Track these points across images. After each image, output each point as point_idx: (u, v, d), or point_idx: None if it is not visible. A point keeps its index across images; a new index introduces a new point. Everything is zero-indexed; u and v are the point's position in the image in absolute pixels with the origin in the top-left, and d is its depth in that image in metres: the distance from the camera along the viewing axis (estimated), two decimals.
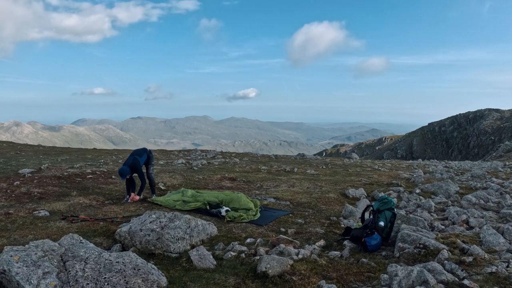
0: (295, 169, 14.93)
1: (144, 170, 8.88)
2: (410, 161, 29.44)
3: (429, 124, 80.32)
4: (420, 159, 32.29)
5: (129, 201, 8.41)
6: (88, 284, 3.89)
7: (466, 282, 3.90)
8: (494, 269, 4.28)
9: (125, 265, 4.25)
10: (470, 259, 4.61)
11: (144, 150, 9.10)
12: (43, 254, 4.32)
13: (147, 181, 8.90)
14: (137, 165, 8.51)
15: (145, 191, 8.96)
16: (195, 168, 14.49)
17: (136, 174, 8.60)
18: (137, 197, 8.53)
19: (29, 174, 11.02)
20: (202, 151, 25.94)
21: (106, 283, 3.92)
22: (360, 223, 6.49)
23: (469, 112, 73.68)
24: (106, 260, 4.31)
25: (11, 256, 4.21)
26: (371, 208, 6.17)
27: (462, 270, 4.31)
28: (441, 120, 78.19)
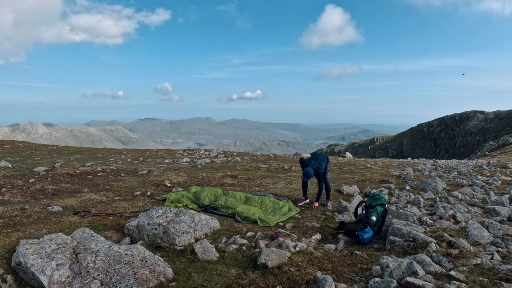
0: (293, 167, 14.91)
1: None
2: (401, 159, 29.43)
3: (418, 125, 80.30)
4: (409, 158, 32.29)
5: (303, 203, 8.09)
6: (99, 275, 3.90)
7: (453, 273, 3.90)
8: (479, 261, 4.28)
9: (133, 257, 4.25)
10: (457, 251, 4.62)
11: (325, 156, 8.39)
12: (57, 247, 4.33)
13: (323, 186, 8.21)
14: (320, 170, 8.00)
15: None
16: (199, 166, 14.48)
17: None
18: (316, 204, 7.98)
19: (43, 172, 11.01)
20: (205, 150, 25.92)
21: (115, 274, 3.93)
22: (354, 218, 6.50)
23: (455, 113, 73.68)
24: (115, 252, 4.31)
25: (27, 248, 4.22)
26: (364, 204, 6.17)
27: (449, 262, 4.32)
28: (429, 121, 78.18)
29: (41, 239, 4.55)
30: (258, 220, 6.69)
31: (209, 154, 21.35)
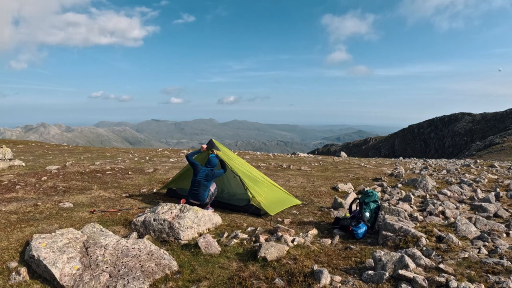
0: (291, 166, 14.92)
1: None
2: (393, 159, 29.40)
3: (409, 126, 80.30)
4: (401, 157, 32.25)
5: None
6: (107, 267, 3.90)
7: (442, 266, 3.90)
8: (466, 254, 4.28)
9: (140, 251, 4.25)
10: (446, 245, 4.62)
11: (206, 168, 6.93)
12: (68, 241, 4.33)
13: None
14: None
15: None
16: None
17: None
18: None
19: (55, 170, 11.02)
20: None
21: (123, 267, 3.93)
22: (348, 214, 6.49)
23: (444, 115, 73.70)
24: (123, 246, 4.32)
25: (39, 243, 4.23)
26: (358, 201, 6.17)
27: (438, 256, 4.32)
28: (419, 123, 78.18)
29: (53, 233, 4.56)
30: (262, 205, 6.71)
31: None
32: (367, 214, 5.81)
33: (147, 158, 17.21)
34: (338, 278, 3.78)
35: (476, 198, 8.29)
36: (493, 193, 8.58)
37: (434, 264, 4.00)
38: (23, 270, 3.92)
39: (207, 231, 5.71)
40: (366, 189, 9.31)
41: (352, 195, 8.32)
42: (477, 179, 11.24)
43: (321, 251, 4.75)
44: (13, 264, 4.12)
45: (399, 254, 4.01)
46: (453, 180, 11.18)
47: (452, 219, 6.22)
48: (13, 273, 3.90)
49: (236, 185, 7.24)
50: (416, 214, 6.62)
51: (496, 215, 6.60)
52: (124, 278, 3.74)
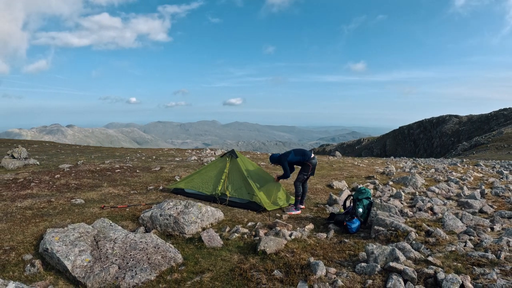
0: None
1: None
2: (384, 158, 29.36)
3: (400, 127, 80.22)
4: (392, 157, 32.19)
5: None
6: (116, 260, 3.90)
7: (430, 258, 3.90)
8: (453, 248, 4.28)
9: (147, 244, 4.25)
10: (434, 239, 4.62)
11: (302, 152, 6.87)
12: (79, 235, 4.33)
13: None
14: (282, 159, 6.86)
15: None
16: (205, 163, 14.46)
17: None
18: (297, 209, 6.77)
19: (67, 169, 11.01)
20: (211, 149, 25.88)
21: (131, 259, 3.93)
22: (343, 210, 6.49)
23: (433, 117, 73.62)
24: (131, 240, 4.32)
25: (53, 236, 4.23)
26: (352, 197, 6.17)
27: (427, 249, 4.32)
28: (409, 124, 78.09)
29: (65, 228, 4.56)
30: (262, 201, 6.69)
31: (214, 153, 21.33)
32: (360, 210, 5.81)
33: (154, 157, 17.20)
34: (333, 270, 3.78)
35: (462, 195, 8.29)
36: (478, 190, 8.58)
37: (423, 257, 4.00)
38: (38, 262, 3.93)
39: (210, 225, 5.71)
40: (359, 186, 9.33)
41: (346, 192, 8.32)
42: (463, 177, 11.23)
43: (317, 244, 4.75)
44: (28, 256, 4.12)
45: (390, 247, 4.01)
46: (441, 178, 11.17)
47: (440, 215, 6.21)
48: (28, 265, 3.90)
49: (245, 185, 7.28)
50: (406, 210, 6.62)
51: (481, 211, 6.60)
52: (132, 270, 3.74)
